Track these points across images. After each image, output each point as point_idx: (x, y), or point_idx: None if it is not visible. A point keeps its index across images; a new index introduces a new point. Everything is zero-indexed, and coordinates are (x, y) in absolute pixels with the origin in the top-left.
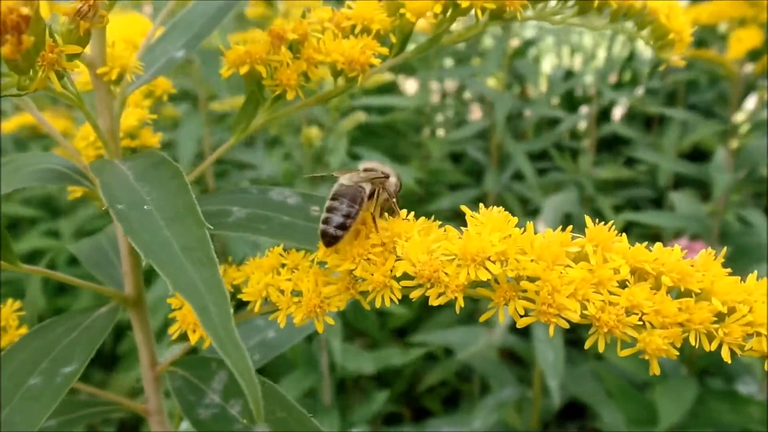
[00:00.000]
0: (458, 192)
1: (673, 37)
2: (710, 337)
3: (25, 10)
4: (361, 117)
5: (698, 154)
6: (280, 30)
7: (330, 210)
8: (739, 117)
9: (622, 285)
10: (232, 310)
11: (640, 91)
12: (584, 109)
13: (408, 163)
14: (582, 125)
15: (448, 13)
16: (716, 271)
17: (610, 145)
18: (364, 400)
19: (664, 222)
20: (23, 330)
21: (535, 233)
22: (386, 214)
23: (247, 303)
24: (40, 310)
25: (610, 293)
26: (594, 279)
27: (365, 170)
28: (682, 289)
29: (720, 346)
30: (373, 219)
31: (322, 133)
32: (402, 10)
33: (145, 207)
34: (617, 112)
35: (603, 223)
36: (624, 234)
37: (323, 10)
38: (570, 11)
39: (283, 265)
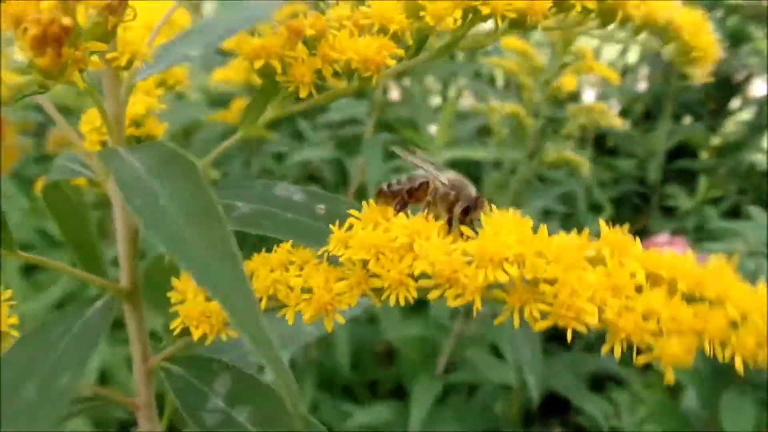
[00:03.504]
0: None
1: (697, 54)
2: (723, 346)
3: (67, 21)
4: None
5: (684, 152)
6: (299, 25)
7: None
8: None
9: (638, 290)
10: (259, 306)
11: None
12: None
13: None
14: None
15: (468, 19)
16: (729, 278)
17: (601, 141)
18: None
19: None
20: (13, 320)
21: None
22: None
23: None
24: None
25: (627, 298)
26: (611, 283)
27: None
28: (697, 296)
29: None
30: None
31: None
32: (422, 13)
33: (161, 202)
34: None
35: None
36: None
37: (343, 7)
38: (592, 23)
39: (292, 262)
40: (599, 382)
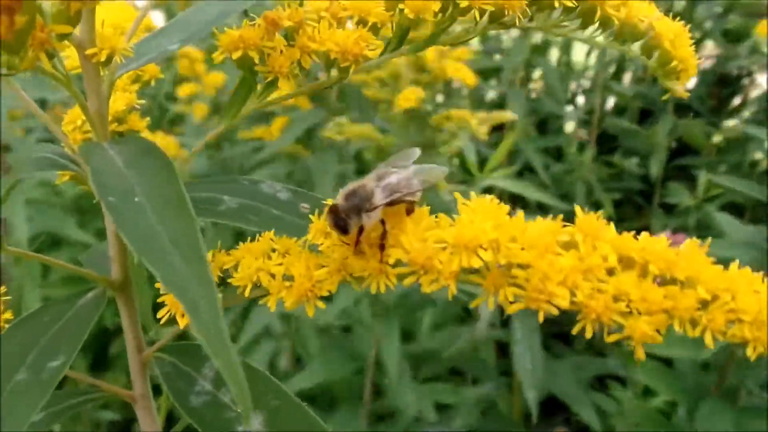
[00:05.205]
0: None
1: (676, 65)
2: (693, 324)
3: None
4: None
5: (686, 149)
6: (276, 16)
7: None
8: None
9: (610, 273)
10: (221, 307)
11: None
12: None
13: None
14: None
15: (448, 13)
16: (701, 261)
17: (602, 140)
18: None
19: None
20: (8, 315)
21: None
22: None
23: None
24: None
25: (599, 281)
26: (583, 267)
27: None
28: (668, 277)
29: (703, 333)
30: None
31: None
32: (401, 6)
33: (136, 199)
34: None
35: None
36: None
37: None
38: (573, 24)
39: (274, 250)
40: (602, 381)
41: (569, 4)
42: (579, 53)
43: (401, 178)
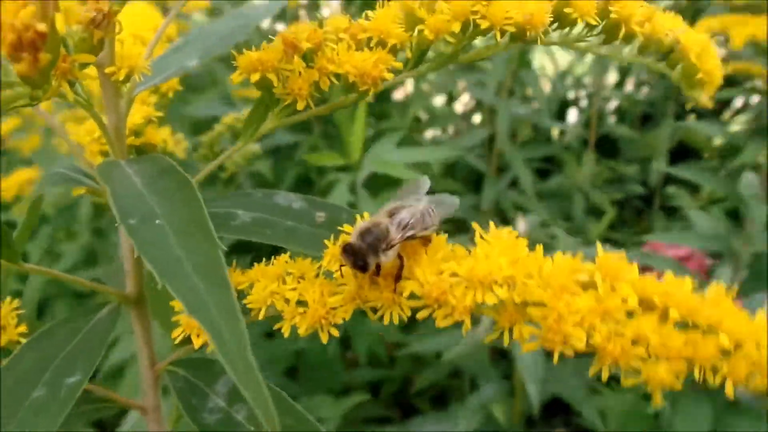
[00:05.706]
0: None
1: (702, 77)
2: (714, 372)
3: (42, 27)
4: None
5: (685, 151)
6: (294, 38)
7: None
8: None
9: (629, 315)
10: (247, 336)
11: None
12: (573, 113)
13: None
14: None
15: (468, 33)
16: (726, 307)
17: (602, 144)
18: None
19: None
20: (22, 328)
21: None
22: None
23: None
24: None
25: (617, 323)
26: (601, 308)
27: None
28: (690, 323)
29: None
30: None
31: None
32: (420, 27)
33: (157, 221)
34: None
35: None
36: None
37: (340, 19)
38: (596, 39)
39: (289, 273)
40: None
41: (592, 21)
42: (568, 57)
43: (414, 213)
